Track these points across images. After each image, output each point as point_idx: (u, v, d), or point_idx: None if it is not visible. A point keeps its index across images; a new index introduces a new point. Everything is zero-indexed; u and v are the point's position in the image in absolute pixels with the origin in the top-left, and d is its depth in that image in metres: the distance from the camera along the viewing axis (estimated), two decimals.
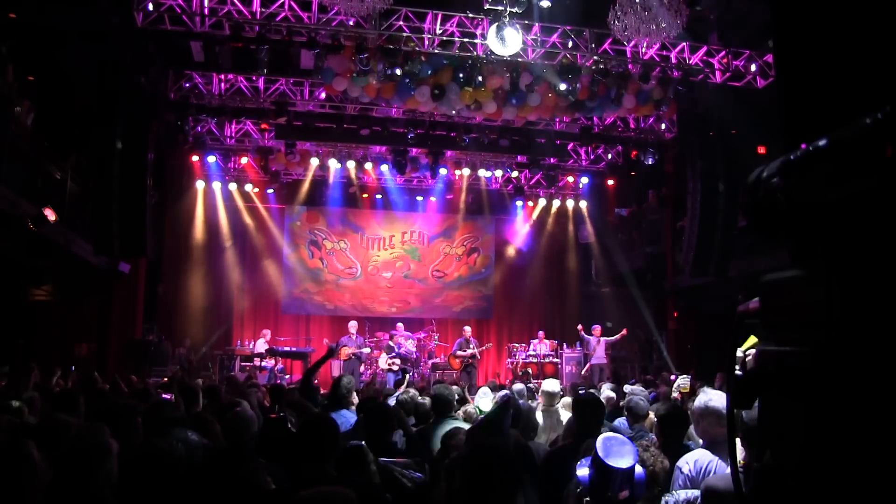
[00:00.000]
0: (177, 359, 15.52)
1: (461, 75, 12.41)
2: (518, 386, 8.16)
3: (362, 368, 15.70)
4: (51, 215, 10.24)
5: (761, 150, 13.60)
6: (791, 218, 1.15)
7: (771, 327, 1.24)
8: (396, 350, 15.77)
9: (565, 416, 6.32)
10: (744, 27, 13.36)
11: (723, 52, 13.24)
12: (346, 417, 5.97)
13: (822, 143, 1.11)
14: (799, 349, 1.13)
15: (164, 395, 6.48)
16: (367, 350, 15.98)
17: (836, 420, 1.07)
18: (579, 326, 16.51)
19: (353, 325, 16.25)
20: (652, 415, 5.79)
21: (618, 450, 3.39)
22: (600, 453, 3.36)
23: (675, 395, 7.33)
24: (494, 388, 8.14)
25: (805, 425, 1.12)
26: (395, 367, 15.11)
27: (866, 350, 1.02)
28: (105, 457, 3.06)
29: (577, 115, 14.50)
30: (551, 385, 6.77)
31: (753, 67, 13.28)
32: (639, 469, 3.43)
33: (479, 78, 12.43)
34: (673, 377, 11.49)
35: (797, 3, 1.70)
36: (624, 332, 15.95)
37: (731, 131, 13.90)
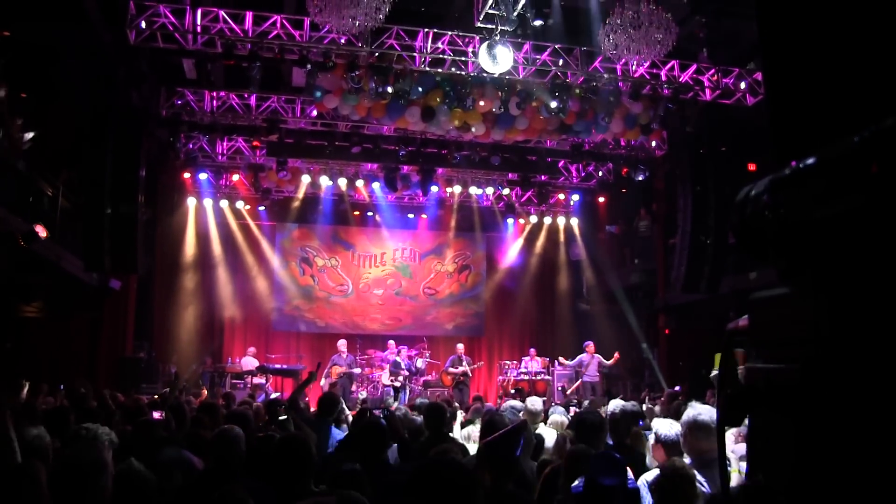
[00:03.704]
0: (166, 377, 15.42)
1: (451, 96, 12.46)
2: (514, 403, 8.13)
3: (354, 387, 15.62)
4: (41, 232, 10.19)
5: (751, 167, 13.69)
6: (779, 236, 1.16)
7: (760, 344, 1.24)
8: (405, 366, 15.65)
9: (550, 434, 6.28)
10: (733, 45, 13.48)
11: (712, 70, 13.34)
12: (333, 433, 5.95)
13: (810, 161, 1.12)
14: (787, 366, 1.13)
15: (154, 413, 6.43)
16: (357, 370, 15.92)
17: (825, 437, 1.07)
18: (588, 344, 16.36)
19: (342, 344, 16.16)
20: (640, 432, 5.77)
21: (609, 467, 3.44)
22: (591, 471, 3.42)
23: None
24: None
25: (795, 442, 1.12)
26: (398, 384, 15.07)
27: (854, 367, 1.03)
28: (100, 472, 3.04)
29: (566, 138, 14.61)
30: (534, 403, 6.75)
31: (743, 85, 13.38)
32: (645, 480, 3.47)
33: (468, 102, 12.49)
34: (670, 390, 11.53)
35: (785, 21, 1.72)
36: (616, 356, 15.89)
37: (721, 148, 13.98)
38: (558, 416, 7.07)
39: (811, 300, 1.11)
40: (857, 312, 1.04)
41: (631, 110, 13.16)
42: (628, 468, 3.77)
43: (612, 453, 3.84)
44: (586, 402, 10.27)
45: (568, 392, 15.60)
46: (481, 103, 12.62)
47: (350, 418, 8.00)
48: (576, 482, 3.55)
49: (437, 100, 12.52)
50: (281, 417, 5.91)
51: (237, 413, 6.15)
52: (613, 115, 13.07)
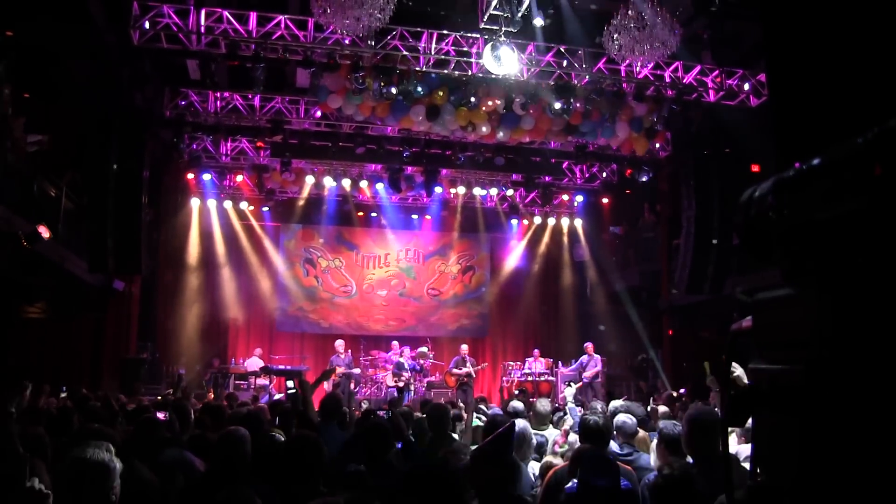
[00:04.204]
0: (170, 378, 15.43)
1: (456, 96, 12.46)
2: (516, 404, 8.13)
3: (354, 387, 15.59)
4: (45, 232, 10.21)
5: (755, 168, 13.67)
6: (783, 237, 1.16)
7: (764, 345, 1.24)
8: (408, 367, 15.60)
9: (556, 435, 6.28)
10: (737, 46, 13.47)
11: (716, 71, 13.32)
12: (335, 434, 5.94)
13: (814, 162, 1.12)
14: (791, 367, 1.13)
15: (158, 414, 6.42)
16: (357, 370, 15.85)
17: (829, 438, 1.07)
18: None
19: (340, 344, 16.03)
20: (644, 434, 5.76)
21: (601, 468, 3.45)
22: (582, 472, 3.43)
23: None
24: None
25: (799, 444, 1.12)
26: (402, 384, 15.03)
27: (858, 368, 1.02)
28: (107, 474, 3.05)
29: (571, 139, 14.53)
30: (542, 405, 6.74)
31: (747, 86, 13.37)
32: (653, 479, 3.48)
33: (473, 99, 12.48)
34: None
35: (789, 23, 1.72)
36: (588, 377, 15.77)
37: (724, 149, 13.96)
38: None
39: (815, 301, 1.11)
40: (862, 314, 1.04)
41: (635, 112, 13.15)
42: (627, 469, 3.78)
43: (606, 455, 3.85)
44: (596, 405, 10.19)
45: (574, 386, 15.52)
46: (487, 102, 12.62)
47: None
48: (570, 483, 3.57)
49: (442, 98, 12.49)
50: (290, 391, 5.90)
51: (251, 414, 6.07)
52: (618, 117, 13.05)
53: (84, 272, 12.38)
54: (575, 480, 3.51)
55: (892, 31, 1.43)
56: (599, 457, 3.65)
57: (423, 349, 16.34)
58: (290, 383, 6.32)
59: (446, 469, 2.53)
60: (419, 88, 12.28)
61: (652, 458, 4.93)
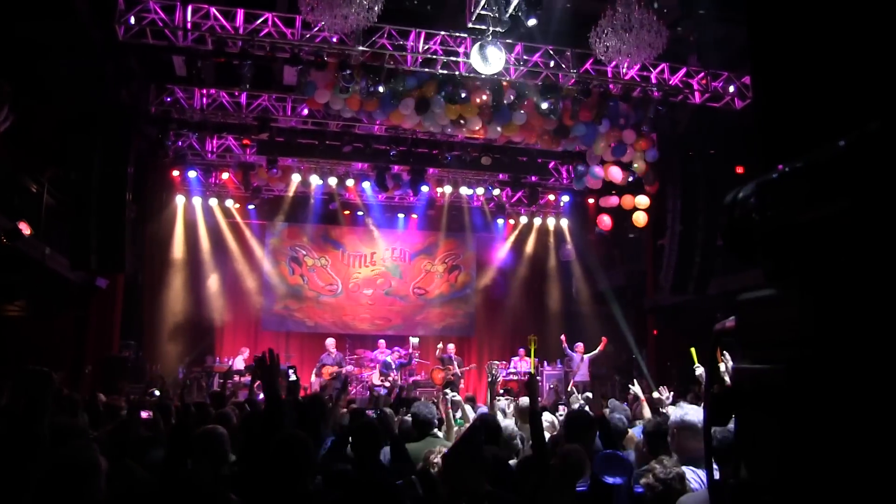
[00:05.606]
0: (155, 377, 15.31)
1: (446, 91, 12.43)
2: (500, 402, 8.14)
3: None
4: (25, 229, 10.12)
5: (739, 169, 13.75)
6: (766, 238, 1.17)
7: (746, 345, 1.25)
8: (395, 366, 15.53)
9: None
10: (723, 49, 13.54)
11: (702, 74, 13.39)
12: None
13: (797, 164, 1.13)
14: (774, 367, 1.14)
15: (142, 413, 6.38)
16: (350, 368, 15.82)
17: (811, 437, 1.08)
18: (563, 337, 16.36)
19: (330, 343, 16.05)
20: (632, 432, 5.78)
21: (614, 466, 3.45)
22: (596, 469, 3.43)
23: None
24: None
25: (780, 442, 1.13)
26: (388, 384, 14.98)
27: (840, 368, 1.03)
28: (93, 474, 3.02)
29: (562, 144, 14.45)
30: (526, 402, 6.75)
31: (732, 89, 13.45)
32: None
33: (463, 94, 12.46)
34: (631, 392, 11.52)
35: (774, 26, 1.73)
36: (604, 340, 15.91)
37: (710, 151, 14.05)
38: (546, 415, 7.08)
39: (797, 301, 1.12)
40: (843, 314, 1.05)
41: (622, 138, 13.31)
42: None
43: (618, 452, 3.85)
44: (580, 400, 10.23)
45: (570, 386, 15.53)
46: (477, 97, 12.58)
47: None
48: (580, 483, 3.56)
49: (433, 91, 12.43)
50: (291, 378, 5.89)
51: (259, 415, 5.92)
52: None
53: (66, 269, 12.28)
54: (585, 479, 3.51)
55: (875, 34, 1.44)
56: (613, 455, 3.65)
57: (412, 361, 16.32)
58: (290, 372, 6.33)
59: (385, 484, 2.54)
60: (409, 81, 12.24)
61: (633, 457, 4.94)
